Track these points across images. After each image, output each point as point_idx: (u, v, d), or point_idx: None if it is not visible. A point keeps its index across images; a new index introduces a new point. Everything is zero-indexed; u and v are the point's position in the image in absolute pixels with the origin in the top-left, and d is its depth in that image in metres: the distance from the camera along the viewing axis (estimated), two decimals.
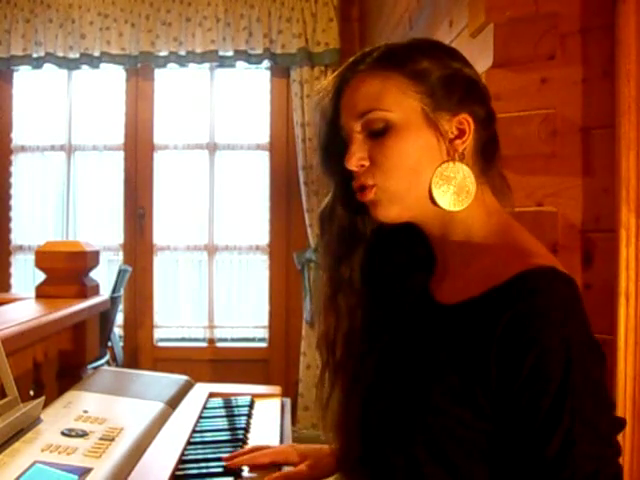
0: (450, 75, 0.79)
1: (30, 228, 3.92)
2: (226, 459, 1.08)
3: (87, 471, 0.94)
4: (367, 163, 0.80)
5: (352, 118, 0.81)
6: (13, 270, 3.87)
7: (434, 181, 0.78)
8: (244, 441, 1.21)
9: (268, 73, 3.82)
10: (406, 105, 0.78)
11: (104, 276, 3.66)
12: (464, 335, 0.72)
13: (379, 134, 0.79)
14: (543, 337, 0.66)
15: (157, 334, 3.86)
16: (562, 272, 0.71)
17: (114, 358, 3.50)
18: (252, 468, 1.06)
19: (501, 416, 0.69)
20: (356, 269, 0.88)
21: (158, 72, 3.82)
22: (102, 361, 3.01)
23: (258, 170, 3.90)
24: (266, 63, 3.71)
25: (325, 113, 0.86)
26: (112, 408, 1.29)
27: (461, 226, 0.81)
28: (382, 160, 0.79)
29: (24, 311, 1.51)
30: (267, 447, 1.11)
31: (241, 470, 1.06)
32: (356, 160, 0.80)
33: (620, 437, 1.15)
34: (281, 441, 1.25)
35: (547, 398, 0.65)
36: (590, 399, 0.66)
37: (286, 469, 1.05)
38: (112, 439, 1.08)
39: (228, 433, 1.26)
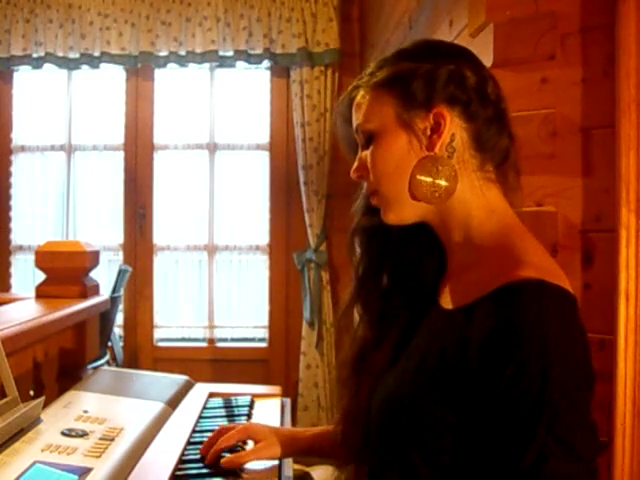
0: (425, 73, 0.80)
1: (30, 228, 3.92)
2: (202, 451, 1.10)
3: (87, 471, 0.94)
4: (364, 173, 0.85)
5: (355, 132, 0.88)
6: (13, 270, 3.86)
7: (412, 176, 0.80)
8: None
9: (268, 73, 3.82)
10: (382, 113, 0.82)
11: (104, 276, 3.66)
12: (453, 342, 0.74)
13: (367, 145, 0.84)
14: (521, 353, 0.66)
15: (157, 334, 3.86)
16: (551, 286, 0.69)
17: (114, 358, 3.50)
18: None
19: (482, 427, 0.69)
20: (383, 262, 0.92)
21: (158, 72, 3.81)
22: (102, 361, 3.01)
23: (258, 170, 3.89)
24: (266, 63, 3.71)
25: (347, 124, 0.91)
26: (112, 408, 1.29)
27: (459, 224, 0.81)
28: (370, 168, 0.84)
29: (24, 311, 1.51)
30: (232, 427, 1.12)
31: (240, 470, 1.06)
32: (353, 172, 0.88)
33: (620, 437, 1.15)
34: None
35: (523, 413, 0.65)
36: (567, 417, 0.65)
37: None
38: (112, 439, 1.08)
39: None
